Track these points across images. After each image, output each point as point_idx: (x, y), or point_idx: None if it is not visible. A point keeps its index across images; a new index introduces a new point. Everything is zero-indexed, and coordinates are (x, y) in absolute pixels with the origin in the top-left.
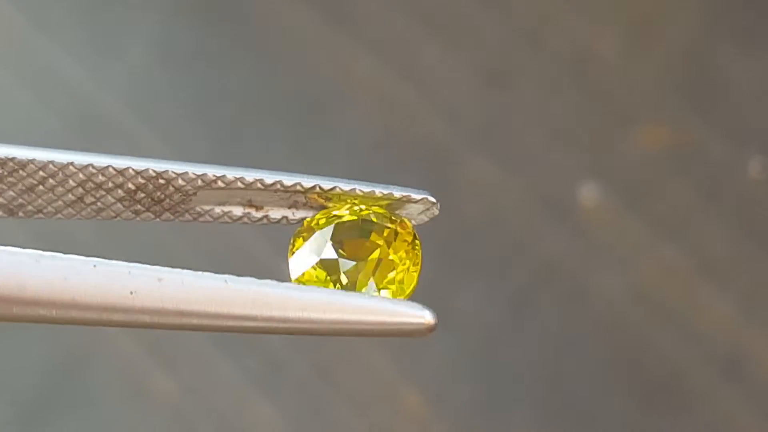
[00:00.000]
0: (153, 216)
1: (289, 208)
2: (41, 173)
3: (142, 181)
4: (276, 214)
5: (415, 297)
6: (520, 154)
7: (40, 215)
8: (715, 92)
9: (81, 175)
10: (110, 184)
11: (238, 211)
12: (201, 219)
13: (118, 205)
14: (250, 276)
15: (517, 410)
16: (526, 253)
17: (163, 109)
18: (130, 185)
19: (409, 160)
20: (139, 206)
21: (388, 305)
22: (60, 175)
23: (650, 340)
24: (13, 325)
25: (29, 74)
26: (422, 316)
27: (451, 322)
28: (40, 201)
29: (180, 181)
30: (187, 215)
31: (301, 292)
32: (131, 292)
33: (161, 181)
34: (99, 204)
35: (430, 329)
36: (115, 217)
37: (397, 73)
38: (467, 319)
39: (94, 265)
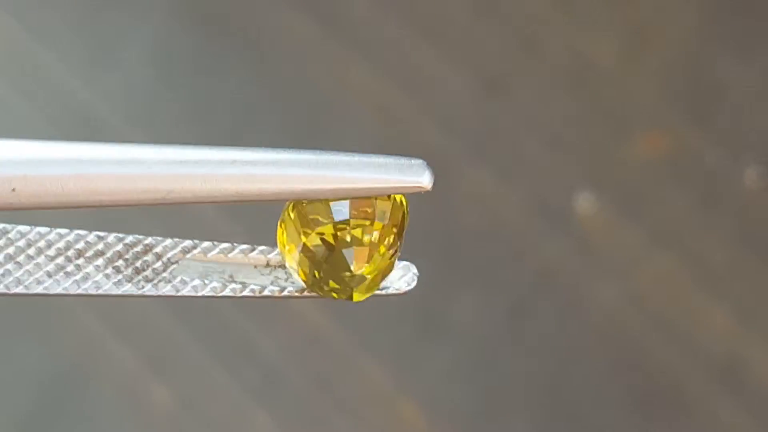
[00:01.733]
0: (135, 289)
1: (271, 284)
2: (24, 240)
3: (123, 247)
4: (257, 286)
5: (412, 305)
6: (517, 163)
7: (21, 287)
8: (712, 101)
9: (62, 243)
10: (91, 252)
11: (219, 283)
12: (183, 291)
13: (100, 275)
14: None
15: (515, 419)
16: (524, 262)
17: (159, 116)
18: (111, 253)
19: None
20: (120, 276)
21: (382, 161)
22: (42, 242)
23: (647, 348)
24: (11, 337)
25: (25, 82)
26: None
27: (448, 330)
28: (22, 270)
29: (160, 249)
30: (169, 287)
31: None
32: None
33: (140, 248)
34: (81, 274)
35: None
36: (98, 289)
37: (395, 82)
38: (465, 327)
39: None
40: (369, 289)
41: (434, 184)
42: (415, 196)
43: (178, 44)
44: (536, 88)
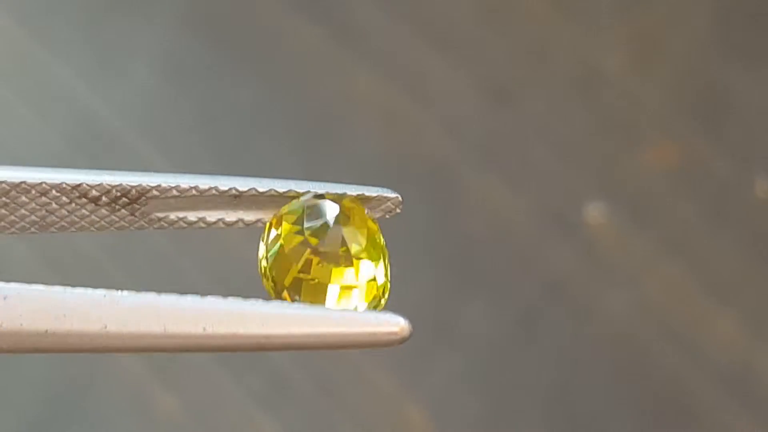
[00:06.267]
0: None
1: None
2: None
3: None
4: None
5: (420, 312)
6: (525, 172)
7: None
8: (721, 111)
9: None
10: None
11: (192, 216)
12: (155, 225)
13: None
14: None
15: (523, 428)
16: (532, 271)
17: (166, 125)
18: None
19: (415, 176)
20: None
21: (358, 317)
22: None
23: (656, 358)
24: None
25: (32, 90)
26: (397, 324)
27: (456, 339)
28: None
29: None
30: (142, 222)
31: (267, 307)
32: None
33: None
34: (55, 215)
35: (404, 339)
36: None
37: (402, 90)
38: (472, 336)
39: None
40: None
41: (442, 192)
42: (423, 205)
43: (187, 52)
44: (545, 98)
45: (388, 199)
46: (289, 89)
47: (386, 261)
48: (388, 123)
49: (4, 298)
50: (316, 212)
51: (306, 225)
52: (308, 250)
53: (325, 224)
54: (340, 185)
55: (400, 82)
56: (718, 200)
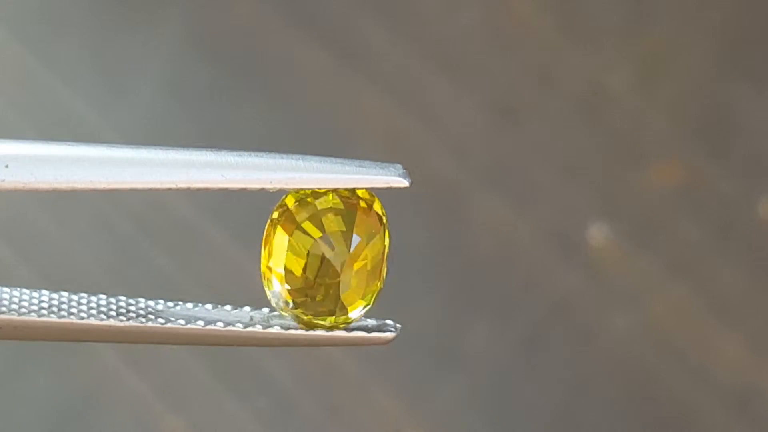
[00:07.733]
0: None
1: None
2: None
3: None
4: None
5: (425, 334)
6: (530, 192)
7: None
8: (726, 131)
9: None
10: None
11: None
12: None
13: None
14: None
15: None
16: (537, 292)
17: (172, 145)
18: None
19: (419, 197)
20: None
21: (349, 337)
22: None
23: (661, 379)
24: (20, 363)
25: (37, 113)
26: (386, 337)
27: (460, 360)
28: None
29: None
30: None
31: (263, 333)
32: None
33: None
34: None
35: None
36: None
37: (406, 111)
38: (478, 357)
39: None
40: (361, 292)
41: (447, 212)
42: (427, 226)
43: (190, 73)
44: (549, 118)
45: (396, 188)
46: (294, 110)
47: (384, 267)
48: (392, 143)
49: (15, 328)
50: (321, 261)
51: (308, 274)
52: (308, 297)
53: (326, 286)
54: (347, 163)
55: (404, 103)
56: (723, 220)
